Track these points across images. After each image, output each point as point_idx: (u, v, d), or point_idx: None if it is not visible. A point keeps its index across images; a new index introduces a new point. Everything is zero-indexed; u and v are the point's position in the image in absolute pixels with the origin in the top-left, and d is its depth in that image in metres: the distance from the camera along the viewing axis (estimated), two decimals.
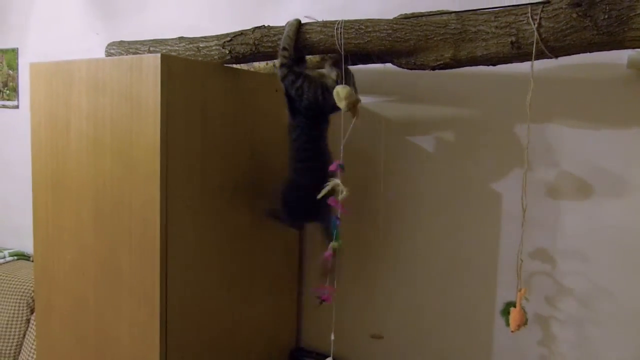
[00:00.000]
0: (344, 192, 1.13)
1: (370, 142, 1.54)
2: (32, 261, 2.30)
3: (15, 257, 2.36)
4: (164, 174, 1.17)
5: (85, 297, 1.34)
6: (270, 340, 1.58)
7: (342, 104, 1.13)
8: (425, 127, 1.48)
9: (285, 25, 1.21)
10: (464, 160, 1.43)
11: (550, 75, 1.27)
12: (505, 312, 1.10)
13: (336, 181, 1.15)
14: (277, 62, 1.25)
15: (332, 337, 1.22)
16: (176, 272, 1.22)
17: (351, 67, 1.27)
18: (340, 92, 1.13)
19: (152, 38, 1.51)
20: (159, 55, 1.14)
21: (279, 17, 1.36)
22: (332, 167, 1.16)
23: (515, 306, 1.08)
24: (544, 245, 1.33)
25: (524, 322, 1.08)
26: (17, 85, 2.49)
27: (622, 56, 1.16)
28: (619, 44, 0.94)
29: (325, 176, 1.21)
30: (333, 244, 1.17)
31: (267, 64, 1.47)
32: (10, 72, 2.49)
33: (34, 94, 1.40)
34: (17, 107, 2.49)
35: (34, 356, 1.79)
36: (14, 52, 2.47)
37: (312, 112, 1.20)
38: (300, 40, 1.20)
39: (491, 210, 1.40)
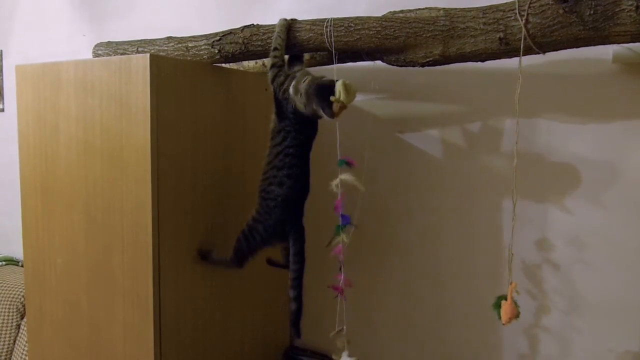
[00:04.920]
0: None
1: (360, 139, 1.54)
2: (22, 266, 2.28)
3: (4, 263, 2.33)
4: (155, 176, 1.16)
5: (77, 301, 1.32)
6: (264, 339, 1.58)
7: (345, 100, 1.05)
8: (415, 123, 1.48)
9: (277, 24, 1.21)
10: (455, 156, 1.44)
11: (538, 71, 1.28)
12: (497, 306, 1.11)
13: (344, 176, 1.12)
14: (267, 61, 1.25)
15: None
16: (169, 274, 1.21)
17: (341, 65, 1.26)
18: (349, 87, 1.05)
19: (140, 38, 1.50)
20: (147, 55, 1.13)
21: (268, 17, 1.35)
22: (351, 161, 1.13)
23: (506, 299, 1.09)
24: (535, 239, 1.35)
25: (515, 315, 1.09)
26: (1, 89, 2.46)
27: (607, 51, 1.17)
28: (604, 39, 0.95)
29: (306, 187, 1.17)
30: (343, 236, 1.13)
31: (256, 63, 1.47)
32: None
33: (20, 97, 1.38)
34: (2, 110, 2.46)
35: None
36: None
37: (299, 118, 1.15)
38: (290, 39, 1.20)
39: (484, 205, 1.41)
